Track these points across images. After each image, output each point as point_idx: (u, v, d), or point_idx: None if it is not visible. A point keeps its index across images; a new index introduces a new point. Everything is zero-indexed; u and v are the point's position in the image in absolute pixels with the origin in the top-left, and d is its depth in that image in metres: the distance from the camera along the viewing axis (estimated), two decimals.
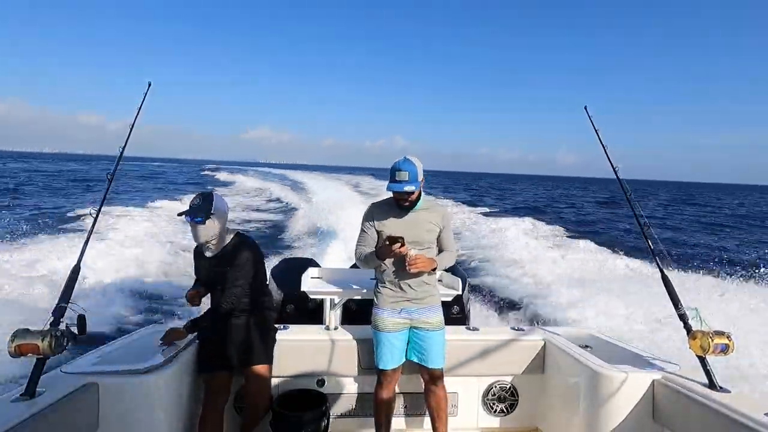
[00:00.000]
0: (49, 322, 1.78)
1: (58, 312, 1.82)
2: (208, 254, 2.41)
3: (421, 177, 2.32)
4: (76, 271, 1.99)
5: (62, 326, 1.79)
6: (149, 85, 2.58)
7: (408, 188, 2.25)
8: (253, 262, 2.42)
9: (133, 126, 2.48)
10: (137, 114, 2.50)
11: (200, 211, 2.25)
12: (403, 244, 2.22)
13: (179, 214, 2.31)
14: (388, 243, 2.23)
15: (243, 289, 2.37)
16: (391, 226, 2.39)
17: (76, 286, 1.96)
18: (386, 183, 2.30)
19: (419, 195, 2.38)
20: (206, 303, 2.50)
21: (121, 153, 2.39)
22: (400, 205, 2.37)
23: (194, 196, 2.35)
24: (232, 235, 2.45)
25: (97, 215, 2.21)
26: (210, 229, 2.29)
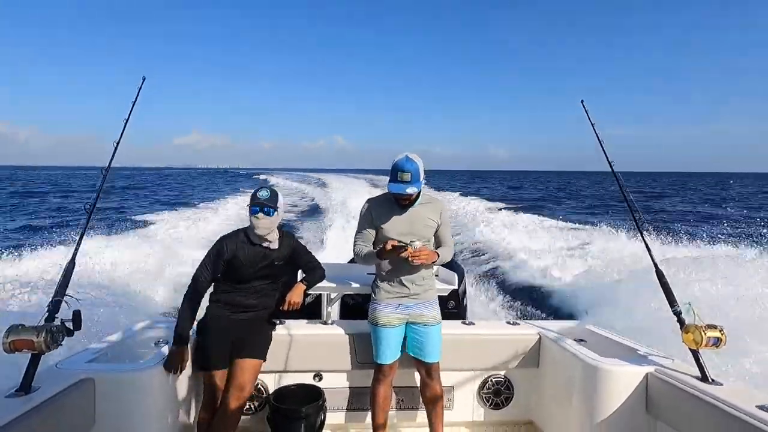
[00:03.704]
0: (43, 318, 1.77)
1: (53, 307, 1.81)
2: (263, 245, 2.42)
3: (422, 176, 2.29)
4: (70, 266, 1.98)
5: (57, 321, 1.78)
6: (143, 79, 2.55)
7: (410, 190, 2.23)
8: (301, 258, 2.60)
9: (127, 121, 2.44)
10: (131, 109, 2.48)
11: (270, 202, 2.35)
12: (407, 248, 2.22)
13: (250, 205, 2.36)
14: (391, 249, 2.22)
15: (284, 284, 2.50)
16: (390, 223, 2.38)
17: (71, 281, 1.95)
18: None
19: (419, 192, 2.36)
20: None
21: (116, 148, 2.36)
22: (401, 203, 2.36)
23: (259, 189, 2.40)
24: (278, 230, 2.53)
25: (92, 209, 2.18)
26: (274, 222, 2.39)
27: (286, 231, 2.59)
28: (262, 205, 2.33)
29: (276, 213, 2.38)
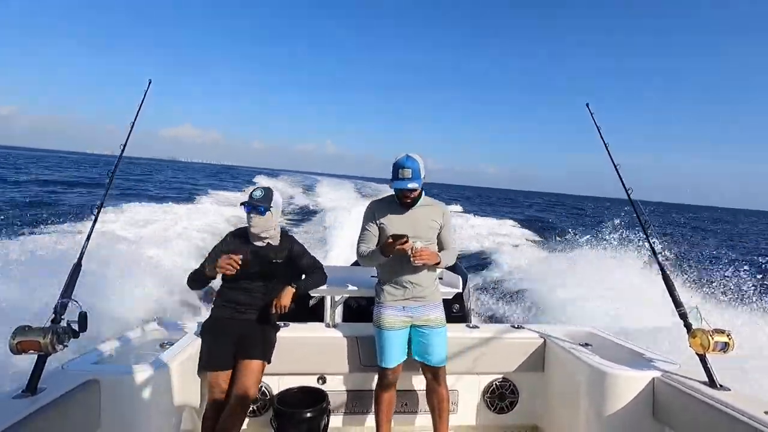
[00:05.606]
0: (50, 319, 1.78)
1: (59, 309, 1.82)
2: (259, 243, 2.50)
3: (423, 174, 2.32)
4: (77, 268, 1.98)
5: (63, 323, 1.79)
6: (149, 82, 2.55)
7: (412, 185, 2.27)
8: (300, 260, 2.60)
9: (133, 125, 2.43)
10: (137, 112, 2.47)
11: (263, 202, 2.43)
12: (407, 241, 2.23)
13: (242, 204, 2.46)
14: (392, 240, 2.22)
15: (283, 284, 2.49)
16: (393, 223, 2.39)
17: (77, 282, 1.96)
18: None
19: (420, 192, 2.39)
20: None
21: (122, 152, 2.37)
22: (403, 202, 2.38)
23: (255, 188, 2.50)
24: (279, 231, 2.57)
25: (98, 214, 2.19)
26: (268, 220, 2.46)
27: (285, 232, 2.63)
28: (255, 205, 2.41)
29: (269, 212, 2.45)
